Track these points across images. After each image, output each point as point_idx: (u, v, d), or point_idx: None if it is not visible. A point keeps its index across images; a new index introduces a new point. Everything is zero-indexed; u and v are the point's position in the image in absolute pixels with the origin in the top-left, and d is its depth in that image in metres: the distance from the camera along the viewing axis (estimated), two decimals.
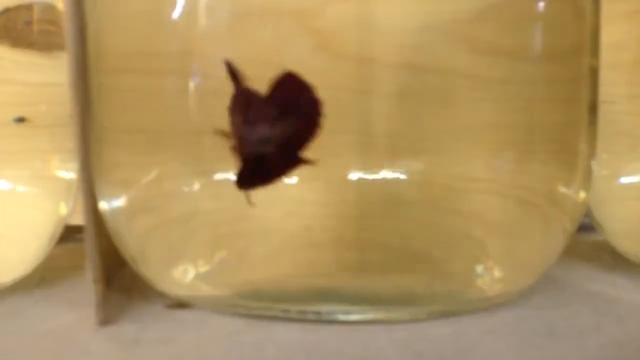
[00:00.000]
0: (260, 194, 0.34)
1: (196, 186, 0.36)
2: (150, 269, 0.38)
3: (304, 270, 0.36)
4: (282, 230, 0.36)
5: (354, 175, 0.35)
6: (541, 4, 0.35)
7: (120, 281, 0.41)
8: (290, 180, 0.35)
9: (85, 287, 0.36)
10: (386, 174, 0.35)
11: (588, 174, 0.39)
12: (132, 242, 0.38)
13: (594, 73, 0.38)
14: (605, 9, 0.39)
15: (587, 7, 0.37)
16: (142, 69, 0.36)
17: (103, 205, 0.37)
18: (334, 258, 0.36)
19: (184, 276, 0.37)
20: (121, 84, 0.37)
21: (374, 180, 0.35)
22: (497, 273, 0.37)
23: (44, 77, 0.41)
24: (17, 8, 0.41)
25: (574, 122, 0.38)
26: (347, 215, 0.36)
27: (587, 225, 0.45)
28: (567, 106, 0.37)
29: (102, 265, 0.36)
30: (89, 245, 0.36)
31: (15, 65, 0.41)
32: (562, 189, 0.38)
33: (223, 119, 0.34)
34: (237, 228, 0.36)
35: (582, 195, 0.39)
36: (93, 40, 0.37)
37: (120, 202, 0.37)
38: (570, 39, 0.37)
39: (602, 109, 0.40)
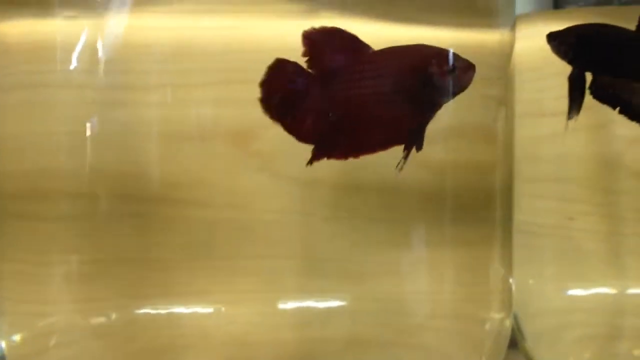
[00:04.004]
0: (189, 327, 0.33)
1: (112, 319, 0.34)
2: None
3: None
4: None
5: (292, 304, 0.34)
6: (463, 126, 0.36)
7: None
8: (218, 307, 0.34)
9: None
10: (328, 301, 0.34)
11: (507, 294, 0.38)
12: None
13: (507, 192, 0.38)
14: (562, 123, 0.40)
15: (499, 130, 0.38)
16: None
17: None
18: None
19: None
20: (26, 210, 0.35)
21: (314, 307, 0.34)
22: None
23: None
24: None
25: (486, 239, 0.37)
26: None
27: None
28: (479, 225, 0.37)
29: None
30: None
31: None
32: (480, 311, 0.37)
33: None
34: None
35: (505, 320, 0.38)
36: None
37: (18, 341, 0.35)
38: (482, 159, 0.37)
39: (560, 224, 0.41)
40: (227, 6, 0.33)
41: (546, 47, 0.41)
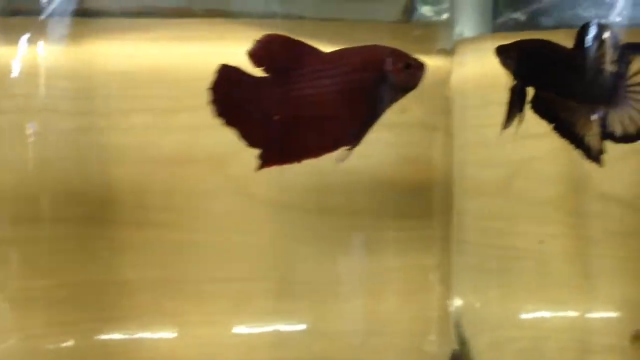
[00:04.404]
0: (156, 350, 0.33)
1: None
2: None
3: None
4: None
5: (268, 328, 0.35)
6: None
7: None
8: (170, 334, 0.34)
9: None
10: (297, 323, 0.35)
11: (444, 315, 0.40)
12: None
13: (445, 212, 0.40)
14: (535, 144, 0.41)
15: (435, 153, 0.39)
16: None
17: None
18: None
19: None
20: None
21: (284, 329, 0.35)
22: None
23: None
24: None
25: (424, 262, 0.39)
26: None
27: None
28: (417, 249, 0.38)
29: None
30: None
31: None
32: (419, 329, 0.38)
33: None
34: None
35: (444, 340, 0.39)
36: None
37: None
38: (420, 181, 0.39)
39: (532, 248, 0.41)
40: (197, 33, 0.34)
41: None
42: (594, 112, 0.40)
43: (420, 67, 0.35)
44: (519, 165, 0.43)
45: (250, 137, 0.33)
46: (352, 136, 0.34)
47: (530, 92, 0.41)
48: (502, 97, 0.41)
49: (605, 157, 0.40)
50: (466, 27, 0.44)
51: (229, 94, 0.32)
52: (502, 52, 0.42)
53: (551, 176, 0.43)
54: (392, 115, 0.35)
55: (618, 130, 0.40)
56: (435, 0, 0.41)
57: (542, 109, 0.42)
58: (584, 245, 0.42)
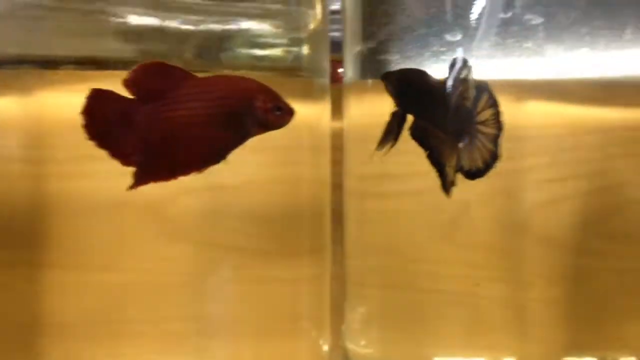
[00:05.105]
0: None
1: None
2: None
3: None
4: None
5: None
6: None
7: None
8: None
9: None
10: None
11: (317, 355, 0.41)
12: None
13: (322, 250, 0.42)
14: (471, 187, 0.42)
15: (304, 199, 0.42)
16: None
17: None
18: None
19: None
20: None
21: None
22: None
23: None
24: None
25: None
26: None
27: None
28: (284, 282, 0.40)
29: None
30: None
31: None
32: None
33: None
34: None
35: None
36: None
37: None
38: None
39: (466, 291, 0.42)
40: None
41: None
42: (455, 145, 0.42)
43: (289, 112, 0.36)
44: (454, 208, 0.43)
45: (124, 156, 0.34)
46: (216, 157, 0.36)
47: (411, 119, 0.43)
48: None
49: (541, 199, 0.42)
50: (350, 71, 0.46)
51: (101, 115, 0.34)
52: (387, 78, 0.44)
53: (487, 219, 0.43)
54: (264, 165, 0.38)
55: (466, 165, 0.42)
56: (290, 43, 0.42)
57: (418, 136, 0.44)
58: (518, 289, 0.42)
